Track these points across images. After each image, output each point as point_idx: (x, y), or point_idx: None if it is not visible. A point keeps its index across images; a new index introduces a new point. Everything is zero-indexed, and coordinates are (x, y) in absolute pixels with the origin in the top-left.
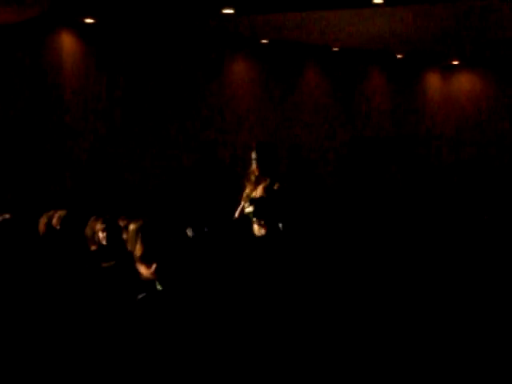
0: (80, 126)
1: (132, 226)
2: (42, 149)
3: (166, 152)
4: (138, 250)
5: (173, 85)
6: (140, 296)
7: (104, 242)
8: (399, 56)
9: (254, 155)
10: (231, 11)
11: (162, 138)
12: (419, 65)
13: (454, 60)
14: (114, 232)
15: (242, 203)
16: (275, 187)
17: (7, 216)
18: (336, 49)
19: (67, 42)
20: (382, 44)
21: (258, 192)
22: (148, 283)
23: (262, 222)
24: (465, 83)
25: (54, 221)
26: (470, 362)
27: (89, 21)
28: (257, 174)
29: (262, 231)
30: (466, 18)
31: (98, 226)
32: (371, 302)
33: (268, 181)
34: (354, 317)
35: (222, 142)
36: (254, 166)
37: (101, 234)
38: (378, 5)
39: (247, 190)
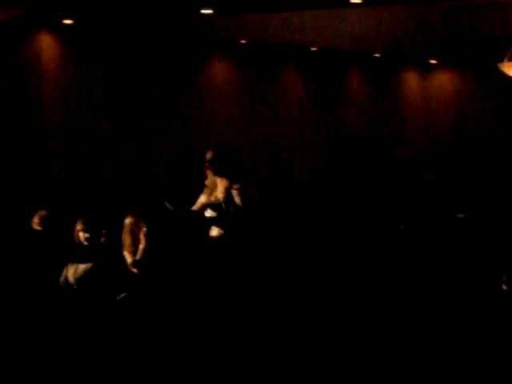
0: (59, 127)
1: (126, 219)
2: (21, 150)
3: (145, 151)
4: (125, 240)
5: (151, 85)
6: (120, 296)
7: (85, 243)
8: (377, 55)
9: (208, 155)
10: (210, 11)
11: (142, 137)
12: (397, 64)
13: (432, 59)
14: (94, 232)
15: (201, 198)
16: (235, 188)
17: None
18: (314, 49)
19: (46, 43)
20: (361, 43)
21: (218, 193)
22: (128, 282)
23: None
24: (443, 82)
25: (35, 220)
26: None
27: (67, 22)
28: (212, 174)
29: (221, 232)
30: (444, 17)
31: (79, 227)
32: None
33: (226, 181)
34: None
35: (199, 142)
36: (207, 166)
37: (81, 235)
38: (356, 4)
39: (206, 190)
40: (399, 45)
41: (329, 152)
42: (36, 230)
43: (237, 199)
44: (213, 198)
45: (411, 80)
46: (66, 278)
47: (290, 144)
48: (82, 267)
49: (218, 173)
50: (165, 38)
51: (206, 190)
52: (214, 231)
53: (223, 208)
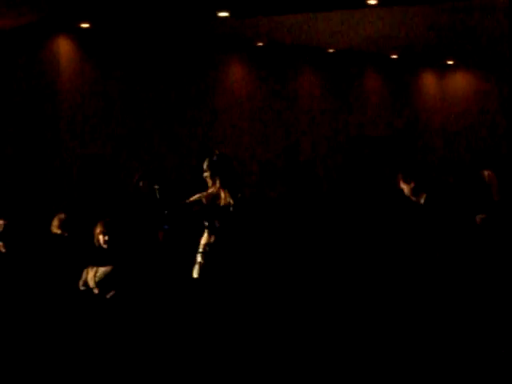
0: (77, 130)
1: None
2: (39, 152)
3: (162, 154)
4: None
5: (168, 88)
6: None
7: (104, 246)
8: (394, 56)
9: (205, 164)
10: (226, 14)
11: (159, 140)
12: (414, 65)
13: (449, 60)
14: (114, 235)
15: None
16: (234, 201)
17: (1, 222)
18: (331, 50)
19: (64, 47)
20: (377, 45)
21: (221, 200)
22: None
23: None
24: (460, 83)
25: (55, 223)
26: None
27: (85, 26)
28: (210, 183)
29: (211, 239)
30: (461, 17)
31: (99, 230)
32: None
33: (226, 194)
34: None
35: (218, 143)
36: (206, 175)
37: (101, 238)
38: (372, 5)
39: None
40: (416, 46)
41: (346, 153)
42: (55, 234)
43: (235, 207)
44: (212, 202)
45: (428, 81)
46: (86, 282)
47: (307, 145)
48: (101, 270)
49: (215, 181)
50: (182, 41)
51: (205, 194)
52: (205, 238)
53: (222, 215)
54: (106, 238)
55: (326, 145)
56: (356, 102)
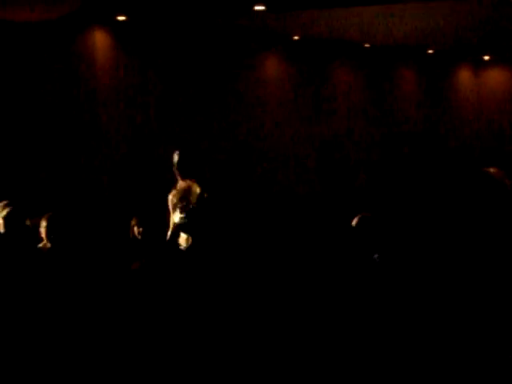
0: (114, 124)
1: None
2: (75, 147)
3: (199, 148)
4: None
5: (205, 82)
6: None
7: (139, 237)
8: (430, 51)
9: (174, 159)
10: (263, 8)
11: (196, 133)
12: (451, 60)
13: (486, 55)
14: (148, 227)
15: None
16: (205, 196)
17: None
18: (368, 45)
19: (100, 40)
20: (414, 40)
21: (191, 198)
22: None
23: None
24: (496, 79)
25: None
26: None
27: (121, 18)
28: (179, 179)
29: (189, 241)
30: (498, 11)
31: (133, 222)
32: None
33: (197, 189)
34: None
35: (254, 138)
36: (174, 169)
37: (136, 229)
38: (408, 0)
39: (175, 192)
40: (453, 41)
41: (383, 149)
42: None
43: (206, 207)
44: (184, 203)
45: (465, 76)
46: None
47: (343, 141)
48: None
49: (186, 177)
50: (218, 35)
51: (174, 192)
52: (183, 238)
53: (195, 214)
54: (141, 229)
55: (361, 140)
56: (392, 97)
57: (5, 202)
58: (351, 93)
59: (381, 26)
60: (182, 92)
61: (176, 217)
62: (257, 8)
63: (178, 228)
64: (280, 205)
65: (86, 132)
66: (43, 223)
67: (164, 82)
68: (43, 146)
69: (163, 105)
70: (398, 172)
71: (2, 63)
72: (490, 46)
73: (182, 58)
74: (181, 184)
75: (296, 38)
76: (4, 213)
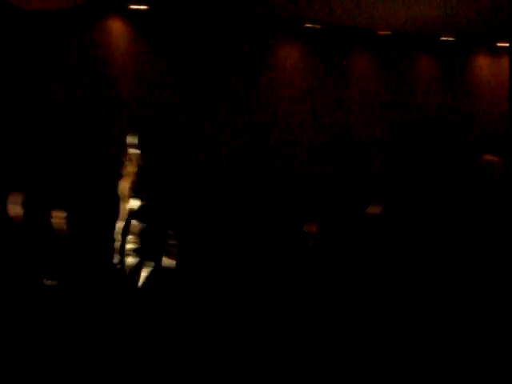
0: (131, 112)
1: None
2: (94, 136)
3: (217, 135)
4: None
5: (222, 69)
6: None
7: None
8: (448, 38)
9: (131, 140)
10: None
11: (213, 121)
12: (468, 47)
13: (504, 42)
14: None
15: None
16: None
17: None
18: (383, 33)
19: (117, 28)
20: (431, 27)
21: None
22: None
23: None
24: None
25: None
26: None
27: (137, 7)
28: (139, 163)
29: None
30: None
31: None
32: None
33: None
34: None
35: (271, 125)
36: (132, 152)
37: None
38: None
39: (126, 178)
40: (470, 27)
41: (400, 136)
42: None
43: (164, 191)
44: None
45: (482, 63)
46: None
47: (359, 128)
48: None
49: (146, 159)
50: (236, 22)
51: (126, 178)
52: (135, 225)
53: (147, 199)
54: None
55: (378, 127)
56: (409, 85)
57: (24, 193)
58: (368, 80)
59: (398, 14)
60: (201, 79)
61: (130, 204)
62: None
63: (132, 216)
64: (296, 190)
65: (104, 119)
66: (62, 214)
67: (180, 70)
68: (60, 133)
69: (180, 93)
70: (413, 160)
71: (20, 52)
72: (509, 32)
73: (200, 46)
74: (129, 169)
75: (313, 25)
76: (23, 202)
